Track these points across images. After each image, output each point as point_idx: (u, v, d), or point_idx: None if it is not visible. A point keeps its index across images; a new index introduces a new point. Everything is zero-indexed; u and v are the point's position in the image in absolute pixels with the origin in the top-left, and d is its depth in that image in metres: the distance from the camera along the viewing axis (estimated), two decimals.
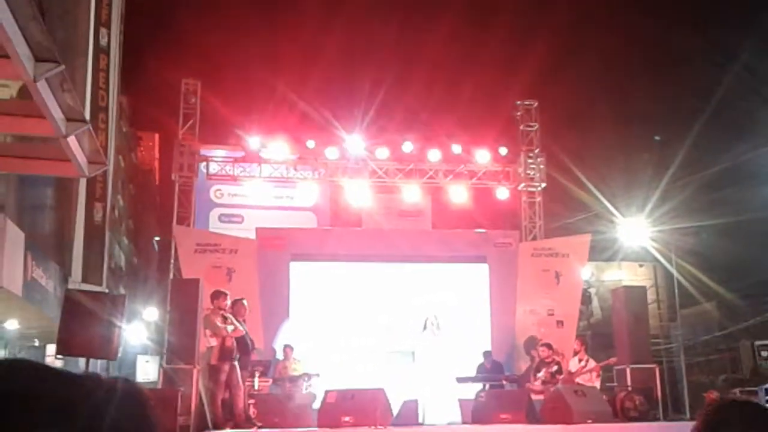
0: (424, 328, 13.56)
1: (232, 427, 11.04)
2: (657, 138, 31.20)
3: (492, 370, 14.56)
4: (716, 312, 27.83)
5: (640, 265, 30.75)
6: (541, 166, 18.43)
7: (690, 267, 24.55)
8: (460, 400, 12.92)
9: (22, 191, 15.57)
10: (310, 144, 17.91)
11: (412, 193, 17.82)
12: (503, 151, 18.40)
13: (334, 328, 15.93)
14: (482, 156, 18.19)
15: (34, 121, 7.48)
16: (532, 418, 11.67)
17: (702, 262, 24.75)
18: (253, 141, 17.84)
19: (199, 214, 19.47)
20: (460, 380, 13.37)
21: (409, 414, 12.05)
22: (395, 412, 11.84)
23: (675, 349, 27.40)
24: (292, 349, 14.53)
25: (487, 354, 14.98)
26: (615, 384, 14.41)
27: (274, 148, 17.83)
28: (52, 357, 17.18)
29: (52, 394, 0.93)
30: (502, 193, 18.40)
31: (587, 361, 13.95)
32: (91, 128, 8.41)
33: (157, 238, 39.84)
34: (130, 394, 1.02)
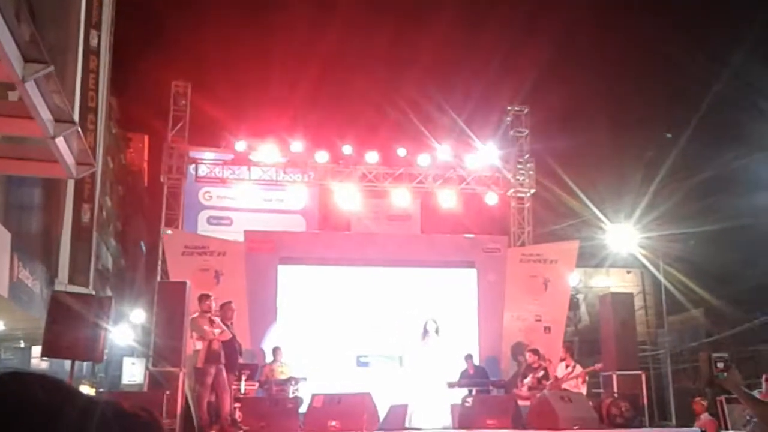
0: (425, 332, 13.49)
1: (218, 431, 11.01)
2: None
3: (475, 375, 14.55)
4: (704, 319, 27.91)
5: (628, 272, 30.81)
6: (531, 172, 18.48)
7: (678, 274, 24.61)
8: (452, 406, 12.89)
9: (9, 191, 15.49)
10: (300, 147, 17.91)
11: (401, 198, 17.83)
12: (492, 156, 18.42)
13: (322, 332, 15.91)
14: (471, 161, 18.21)
15: (22, 122, 7.45)
16: (518, 423, 11.67)
17: (690, 269, 24.81)
18: (243, 143, 17.83)
19: (188, 216, 19.40)
20: (451, 385, 13.37)
21: (396, 419, 12.03)
22: (382, 416, 11.83)
23: (662, 356, 27.46)
24: (281, 351, 14.49)
25: (468, 357, 14.95)
26: (601, 390, 14.43)
27: (264, 150, 17.82)
28: (37, 359, 17.11)
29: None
30: (491, 198, 18.43)
31: (574, 367, 13.96)
32: (79, 129, 8.38)
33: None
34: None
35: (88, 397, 0.97)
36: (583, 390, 13.72)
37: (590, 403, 12.70)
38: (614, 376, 13.48)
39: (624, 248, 23.16)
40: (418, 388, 12.95)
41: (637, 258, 23.69)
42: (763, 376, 10.28)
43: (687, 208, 24.81)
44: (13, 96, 9.29)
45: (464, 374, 14.65)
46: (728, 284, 25.16)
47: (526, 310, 16.72)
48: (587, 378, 14.21)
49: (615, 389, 13.28)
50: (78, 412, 0.93)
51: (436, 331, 13.31)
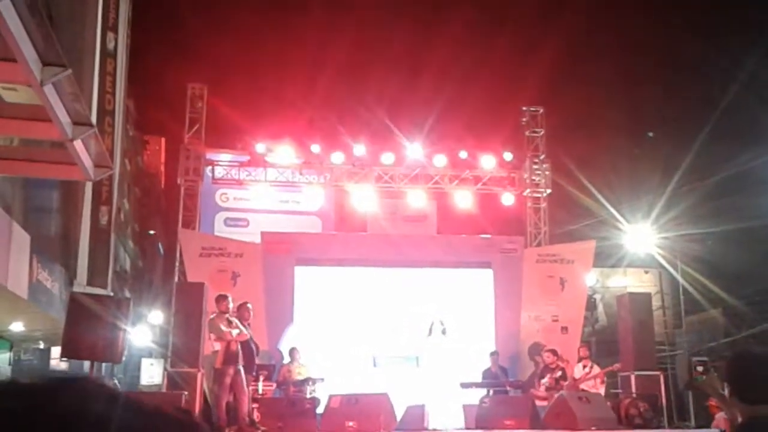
0: (430, 332, 13.57)
1: (236, 431, 11.06)
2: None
3: (498, 374, 14.55)
4: (722, 319, 27.72)
5: (646, 272, 30.62)
6: (547, 172, 18.42)
7: (696, 274, 24.46)
8: (464, 406, 12.90)
9: (28, 194, 15.59)
10: (316, 148, 17.95)
11: (417, 199, 17.82)
12: (509, 156, 18.40)
13: (338, 333, 15.93)
14: (488, 162, 18.19)
15: (40, 125, 7.50)
16: (536, 424, 11.65)
17: (708, 268, 24.65)
18: (259, 145, 17.88)
19: (205, 217, 19.49)
20: (464, 386, 13.35)
21: (413, 419, 12.04)
22: (399, 417, 11.84)
23: (680, 356, 27.29)
24: (298, 351, 14.53)
25: (494, 354, 14.95)
26: (619, 391, 14.38)
27: (280, 152, 17.86)
28: (56, 359, 17.22)
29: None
30: (508, 198, 18.39)
31: (591, 367, 13.92)
32: (97, 132, 8.43)
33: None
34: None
35: (143, 406, 0.96)
36: (602, 390, 13.68)
37: (608, 403, 12.67)
38: (632, 377, 13.43)
39: (641, 248, 23.06)
40: (427, 388, 12.97)
41: (654, 258, 23.58)
42: None
43: (705, 207, 24.64)
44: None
45: (488, 372, 14.64)
46: (747, 284, 25.00)
47: (543, 311, 16.68)
48: (605, 378, 14.17)
49: (633, 390, 13.24)
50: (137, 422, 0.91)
51: (443, 332, 13.33)
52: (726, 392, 3.50)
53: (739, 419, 3.35)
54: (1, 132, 9.58)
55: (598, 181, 20.90)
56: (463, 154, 18.18)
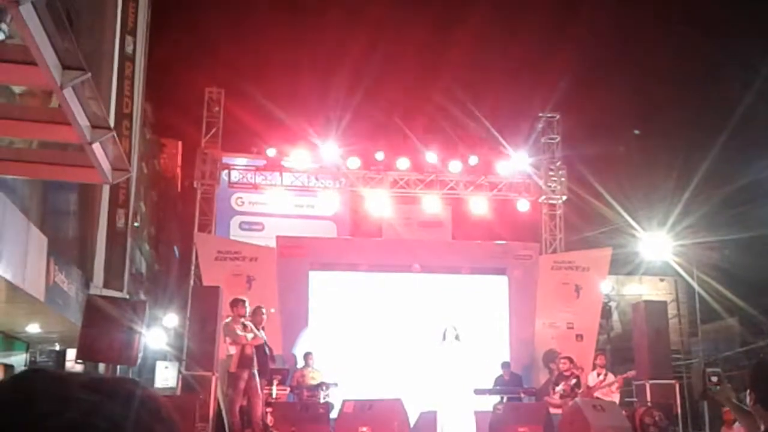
0: (444, 338, 13.54)
1: None
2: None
3: (510, 382, 14.50)
4: (738, 328, 27.51)
5: (661, 280, 30.46)
6: (563, 179, 18.37)
7: (712, 282, 24.28)
8: (476, 413, 12.85)
9: (45, 196, 15.70)
10: (332, 153, 17.96)
11: (432, 204, 17.82)
12: (524, 163, 18.35)
13: (353, 338, 15.94)
14: (503, 168, 18.16)
15: (59, 128, 7.54)
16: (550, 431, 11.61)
17: (724, 277, 24.47)
18: (275, 150, 17.93)
19: (220, 221, 19.55)
20: (477, 392, 13.31)
21: (427, 425, 12.01)
22: (412, 423, 11.82)
23: (694, 366, 27.08)
24: (312, 356, 14.54)
25: (505, 365, 14.92)
26: (634, 399, 14.30)
27: (296, 156, 17.90)
28: (72, 361, 17.30)
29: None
30: (523, 205, 18.34)
31: (606, 375, 13.85)
32: (115, 135, 8.47)
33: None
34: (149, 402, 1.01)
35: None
36: (616, 398, 13.60)
37: (623, 411, 12.59)
38: (647, 385, 13.35)
39: (657, 256, 22.91)
40: (442, 395, 12.93)
41: (670, 266, 23.40)
42: None
43: (721, 215, 24.51)
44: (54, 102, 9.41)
45: (499, 381, 14.59)
46: (764, 293, 24.80)
47: (557, 318, 16.62)
48: (621, 386, 14.09)
49: (648, 398, 13.15)
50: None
51: (456, 338, 13.31)
52: (749, 399, 3.46)
53: (762, 427, 3.32)
54: (20, 135, 9.66)
55: (614, 188, 20.79)
56: (478, 160, 18.15)
